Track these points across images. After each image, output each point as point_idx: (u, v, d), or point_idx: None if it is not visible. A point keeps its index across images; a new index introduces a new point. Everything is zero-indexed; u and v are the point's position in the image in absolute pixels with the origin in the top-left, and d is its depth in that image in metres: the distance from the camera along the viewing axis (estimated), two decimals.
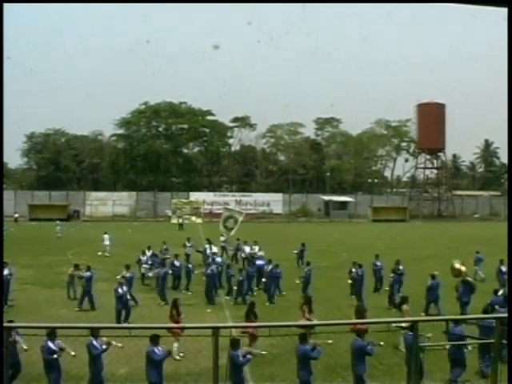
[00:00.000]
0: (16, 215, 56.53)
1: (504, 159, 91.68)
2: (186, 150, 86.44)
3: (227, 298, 19.27)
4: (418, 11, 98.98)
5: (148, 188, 75.89)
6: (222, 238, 27.92)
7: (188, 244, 25.96)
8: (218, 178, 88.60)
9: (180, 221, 53.01)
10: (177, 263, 20.77)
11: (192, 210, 65.51)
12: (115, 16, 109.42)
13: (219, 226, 29.10)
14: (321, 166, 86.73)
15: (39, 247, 34.10)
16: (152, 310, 17.22)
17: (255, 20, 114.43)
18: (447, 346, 10.77)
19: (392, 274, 18.65)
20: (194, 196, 70.33)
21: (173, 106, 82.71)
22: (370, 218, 69.40)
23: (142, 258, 22.29)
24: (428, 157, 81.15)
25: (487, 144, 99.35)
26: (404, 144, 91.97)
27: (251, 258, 23.58)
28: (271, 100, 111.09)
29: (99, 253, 30.38)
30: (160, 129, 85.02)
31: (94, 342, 9.66)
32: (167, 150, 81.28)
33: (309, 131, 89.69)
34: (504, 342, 6.03)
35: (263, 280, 19.49)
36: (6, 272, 17.18)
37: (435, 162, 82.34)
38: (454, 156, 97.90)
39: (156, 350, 9.37)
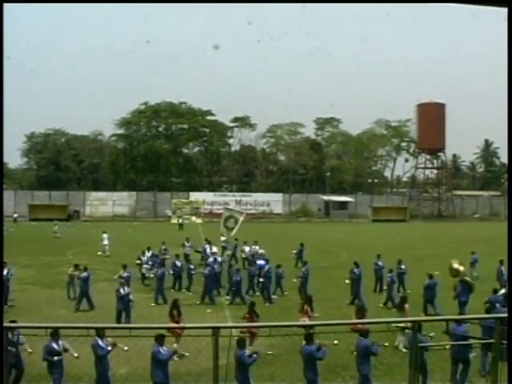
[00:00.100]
0: (15, 215, 56.34)
1: (504, 159, 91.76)
2: (186, 150, 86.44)
3: (228, 297, 19.26)
4: (418, 11, 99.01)
5: (148, 188, 75.89)
6: (222, 238, 27.91)
7: (187, 244, 25.94)
8: (217, 178, 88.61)
9: (180, 221, 53.00)
10: (178, 263, 20.75)
11: (192, 210, 65.51)
12: (115, 16, 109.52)
13: (220, 226, 29.10)
14: (321, 166, 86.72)
15: (39, 247, 34.09)
16: (152, 309, 17.22)
17: (255, 20, 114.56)
18: (447, 346, 10.79)
19: (389, 274, 18.67)
20: (194, 196, 70.33)
21: (173, 106, 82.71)
22: (370, 218, 69.40)
23: (143, 258, 22.27)
24: (428, 157, 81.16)
25: (487, 144, 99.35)
26: (404, 144, 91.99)
27: (252, 258, 23.59)
28: (271, 100, 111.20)
29: (99, 252, 30.41)
30: (160, 129, 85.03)
31: (100, 342, 9.63)
32: (167, 149, 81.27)
33: (309, 131, 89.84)
34: (504, 342, 6.03)
35: (261, 280, 19.41)
36: (5, 272, 17.16)
37: (435, 162, 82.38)
38: (454, 156, 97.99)
39: (161, 350, 9.37)
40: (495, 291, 14.68)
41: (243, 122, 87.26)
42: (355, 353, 10.29)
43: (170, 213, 64.44)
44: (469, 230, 52.61)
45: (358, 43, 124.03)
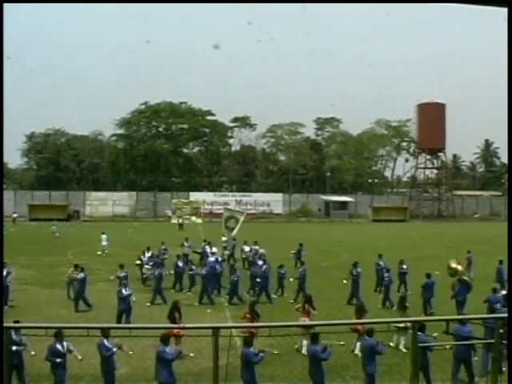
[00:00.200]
0: (14, 215, 55.94)
1: (504, 159, 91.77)
2: (186, 150, 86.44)
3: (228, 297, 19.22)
4: (417, 11, 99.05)
5: (148, 188, 75.88)
6: (223, 239, 27.87)
7: (186, 244, 25.91)
8: (218, 178, 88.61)
9: (180, 221, 52.99)
10: (180, 263, 20.72)
11: (192, 210, 65.51)
12: (115, 16, 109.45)
13: (221, 226, 29.08)
14: (321, 166, 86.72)
15: (39, 247, 34.09)
16: (152, 310, 17.21)
17: (255, 20, 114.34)
18: (447, 347, 10.80)
19: (387, 274, 18.67)
20: (194, 196, 70.34)
21: (173, 105, 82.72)
22: (370, 218, 69.40)
23: (143, 258, 22.24)
24: (428, 157, 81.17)
25: (487, 144, 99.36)
26: (404, 144, 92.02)
27: (252, 258, 23.53)
28: (271, 100, 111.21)
29: (99, 252, 30.43)
30: (160, 129, 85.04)
31: (106, 343, 9.63)
32: (167, 149, 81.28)
33: (309, 131, 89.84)
34: (504, 342, 6.03)
35: (257, 280, 19.31)
36: (5, 272, 17.16)
37: (435, 161, 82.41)
38: (455, 156, 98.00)
39: (167, 350, 9.38)
40: (494, 291, 14.71)
41: (243, 121, 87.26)
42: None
43: (169, 213, 64.43)
44: (469, 230, 52.59)
45: (358, 43, 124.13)
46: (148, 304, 17.75)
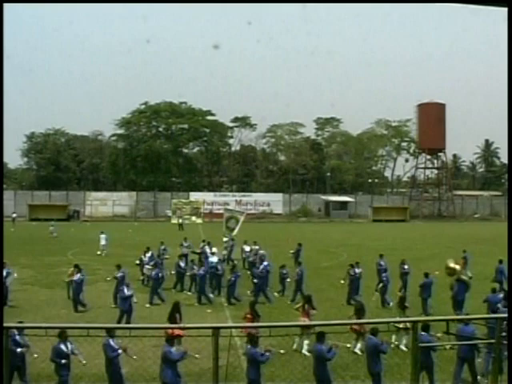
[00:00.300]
0: (14, 215, 55.66)
1: (504, 159, 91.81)
2: (186, 150, 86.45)
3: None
4: (418, 11, 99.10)
5: (148, 188, 75.90)
6: (224, 239, 27.87)
7: (185, 244, 25.89)
8: (218, 178, 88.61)
9: (180, 221, 52.97)
10: (182, 264, 20.69)
11: (192, 210, 65.50)
12: (115, 16, 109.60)
13: (221, 226, 29.11)
14: (321, 166, 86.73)
15: (39, 247, 34.08)
16: (152, 310, 17.20)
17: (255, 20, 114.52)
18: (447, 347, 10.79)
19: (384, 274, 18.66)
20: (194, 196, 70.35)
21: (173, 105, 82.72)
22: (371, 218, 69.41)
23: (144, 258, 22.21)
24: (428, 157, 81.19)
25: (487, 144, 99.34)
26: (404, 144, 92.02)
27: (252, 258, 23.49)
28: (271, 100, 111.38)
29: (98, 252, 30.41)
30: (160, 129, 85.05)
31: (112, 343, 9.61)
32: (167, 149, 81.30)
33: (309, 131, 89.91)
34: (504, 342, 6.03)
35: (254, 281, 19.24)
36: (5, 273, 17.15)
37: (435, 162, 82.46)
38: (455, 156, 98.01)
39: (172, 350, 9.37)
40: (494, 291, 14.72)
41: (243, 121, 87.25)
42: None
43: (170, 213, 64.43)
44: (469, 230, 52.60)
45: (358, 43, 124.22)
46: (148, 305, 17.74)
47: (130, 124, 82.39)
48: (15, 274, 19.25)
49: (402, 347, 12.62)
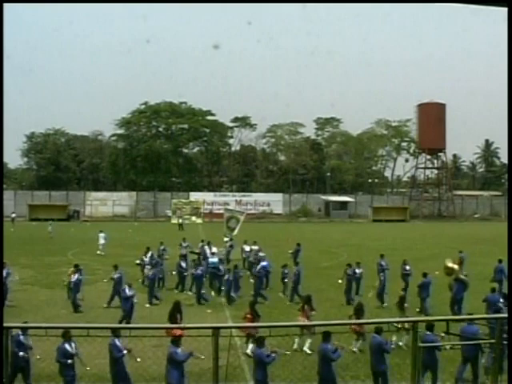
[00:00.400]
0: (13, 215, 55.39)
1: (504, 159, 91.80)
2: (186, 150, 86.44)
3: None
4: (417, 11, 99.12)
5: (148, 188, 75.89)
6: (225, 239, 27.87)
7: (184, 244, 25.87)
8: (218, 178, 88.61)
9: (180, 221, 52.96)
10: (183, 264, 20.68)
11: (192, 210, 65.49)
12: (115, 16, 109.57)
13: (221, 226, 29.13)
14: (321, 166, 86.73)
15: (39, 247, 34.07)
16: (152, 310, 17.20)
17: (255, 20, 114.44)
18: (447, 347, 10.77)
19: (382, 274, 18.65)
20: (194, 196, 70.34)
21: (173, 105, 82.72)
22: (371, 218, 69.40)
23: (145, 259, 22.20)
24: (428, 157, 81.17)
25: (487, 144, 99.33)
26: (404, 144, 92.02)
27: (251, 258, 23.49)
28: (271, 100, 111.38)
29: (98, 252, 30.38)
30: (160, 129, 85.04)
31: (117, 343, 9.60)
32: (167, 149, 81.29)
33: (309, 131, 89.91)
34: (504, 342, 6.03)
35: (251, 281, 19.21)
36: (5, 273, 17.15)
37: (435, 162, 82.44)
38: (455, 156, 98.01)
39: (178, 351, 9.35)
40: (493, 290, 14.71)
41: (243, 121, 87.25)
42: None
43: (170, 213, 64.41)
44: (469, 230, 52.59)
45: (358, 43, 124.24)
46: (147, 305, 17.74)
47: (129, 124, 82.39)
48: (17, 277, 19.26)
49: (401, 344, 12.60)
